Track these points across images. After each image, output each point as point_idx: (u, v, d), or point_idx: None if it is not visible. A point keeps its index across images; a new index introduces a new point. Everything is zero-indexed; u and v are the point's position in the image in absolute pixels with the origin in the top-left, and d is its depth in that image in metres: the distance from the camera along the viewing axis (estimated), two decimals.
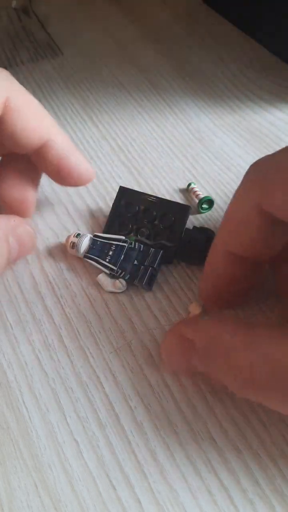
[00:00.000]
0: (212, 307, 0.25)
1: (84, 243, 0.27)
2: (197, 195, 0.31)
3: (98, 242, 0.27)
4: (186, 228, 0.28)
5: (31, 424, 0.23)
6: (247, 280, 0.24)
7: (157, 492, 0.21)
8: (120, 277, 0.26)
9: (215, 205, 0.31)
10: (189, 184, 0.32)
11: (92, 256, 0.27)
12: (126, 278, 0.26)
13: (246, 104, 0.39)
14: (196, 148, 0.36)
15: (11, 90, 0.24)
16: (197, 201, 0.31)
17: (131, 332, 0.26)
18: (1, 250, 0.23)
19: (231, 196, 0.32)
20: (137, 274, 0.26)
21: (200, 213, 0.31)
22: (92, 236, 0.28)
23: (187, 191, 0.32)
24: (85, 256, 0.27)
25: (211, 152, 0.35)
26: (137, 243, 0.26)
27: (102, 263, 0.26)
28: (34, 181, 0.28)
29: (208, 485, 0.21)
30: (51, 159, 0.25)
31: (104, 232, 0.29)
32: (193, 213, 0.31)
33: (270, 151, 0.34)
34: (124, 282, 0.27)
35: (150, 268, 0.26)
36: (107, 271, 0.26)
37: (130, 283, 0.27)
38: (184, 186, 0.33)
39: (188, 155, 0.35)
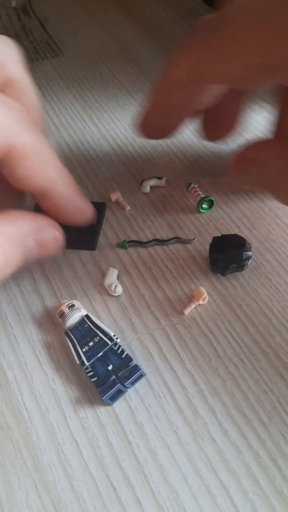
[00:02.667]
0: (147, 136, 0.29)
1: (72, 320, 0.25)
2: (197, 195, 0.31)
3: (86, 325, 0.25)
4: (214, 237, 0.28)
5: (31, 425, 0.23)
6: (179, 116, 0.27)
7: (157, 492, 0.21)
8: (87, 375, 0.23)
9: (215, 205, 0.31)
10: (189, 184, 0.32)
11: (72, 338, 0.25)
12: (93, 380, 0.23)
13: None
14: (196, 148, 0.36)
15: (17, 131, 0.21)
16: (197, 201, 0.31)
17: (131, 332, 0.26)
18: (14, 254, 0.22)
19: (231, 196, 0.32)
20: (104, 382, 0.23)
21: (200, 213, 0.31)
22: (84, 315, 0.25)
23: (187, 191, 0.32)
24: (66, 332, 0.25)
25: (211, 152, 0.35)
26: (121, 347, 0.24)
27: (77, 350, 0.24)
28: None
29: (208, 486, 0.21)
30: (48, 207, 0.25)
31: None
32: (193, 213, 0.31)
33: None
34: (120, 287, 0.27)
35: (119, 384, 0.23)
36: (77, 360, 0.24)
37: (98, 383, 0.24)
38: (184, 186, 0.33)
39: (188, 155, 0.35)
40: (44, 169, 0.23)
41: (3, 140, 0.21)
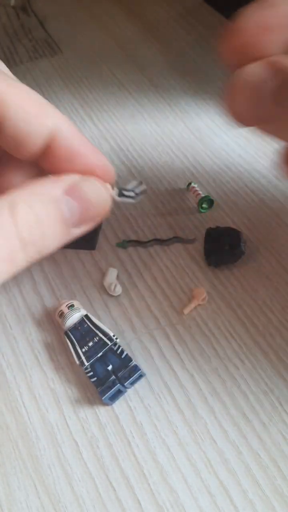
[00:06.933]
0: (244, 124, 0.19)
1: (72, 320, 0.25)
2: (197, 195, 0.31)
3: (85, 325, 0.25)
4: (208, 228, 0.29)
5: (30, 425, 0.23)
6: None
7: (157, 493, 0.21)
8: (87, 375, 0.23)
9: (215, 205, 0.31)
10: (189, 184, 0.32)
11: (72, 338, 0.24)
12: (92, 380, 0.23)
13: None
14: (196, 148, 0.35)
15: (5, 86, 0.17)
16: (197, 200, 0.31)
17: (131, 332, 0.26)
18: (52, 226, 0.17)
19: (231, 196, 0.32)
20: (104, 382, 0.23)
21: (200, 212, 0.31)
22: (83, 315, 0.25)
23: (187, 190, 0.32)
24: (65, 332, 0.25)
25: (211, 152, 0.35)
26: (120, 347, 0.24)
27: (77, 350, 0.24)
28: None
29: (208, 486, 0.21)
30: (60, 152, 0.20)
31: None
32: (193, 213, 0.31)
33: (271, 150, 0.34)
34: (119, 287, 0.27)
35: (119, 384, 0.23)
36: (77, 360, 0.24)
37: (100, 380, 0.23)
38: (184, 186, 0.33)
39: (188, 154, 0.35)
40: (43, 105, 0.19)
41: None
